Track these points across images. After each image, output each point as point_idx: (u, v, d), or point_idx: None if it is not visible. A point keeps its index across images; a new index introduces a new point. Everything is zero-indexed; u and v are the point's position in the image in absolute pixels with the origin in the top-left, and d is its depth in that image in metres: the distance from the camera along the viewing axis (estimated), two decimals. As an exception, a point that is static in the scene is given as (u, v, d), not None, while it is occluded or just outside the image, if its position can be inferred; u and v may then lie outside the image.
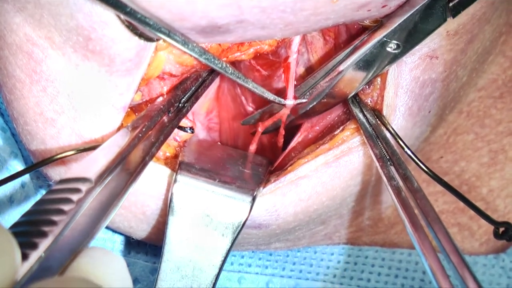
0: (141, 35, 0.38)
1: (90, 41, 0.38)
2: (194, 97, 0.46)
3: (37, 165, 0.41)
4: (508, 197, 0.53)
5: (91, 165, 0.34)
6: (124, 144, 0.38)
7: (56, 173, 0.45)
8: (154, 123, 0.42)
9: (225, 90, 0.55)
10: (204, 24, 0.36)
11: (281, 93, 0.49)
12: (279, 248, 0.53)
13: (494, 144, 0.52)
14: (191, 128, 0.49)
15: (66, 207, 0.31)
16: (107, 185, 0.35)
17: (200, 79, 0.46)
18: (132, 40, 0.38)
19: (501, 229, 0.43)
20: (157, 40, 0.39)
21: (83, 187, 0.32)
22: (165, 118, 0.43)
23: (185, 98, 0.45)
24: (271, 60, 0.51)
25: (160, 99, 0.45)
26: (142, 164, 0.38)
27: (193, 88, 0.46)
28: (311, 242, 0.53)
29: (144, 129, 0.40)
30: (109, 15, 0.37)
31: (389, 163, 0.43)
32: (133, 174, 0.37)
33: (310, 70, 0.51)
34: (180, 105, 0.45)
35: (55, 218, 0.30)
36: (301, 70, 0.51)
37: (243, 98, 0.54)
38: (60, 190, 0.32)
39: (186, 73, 0.45)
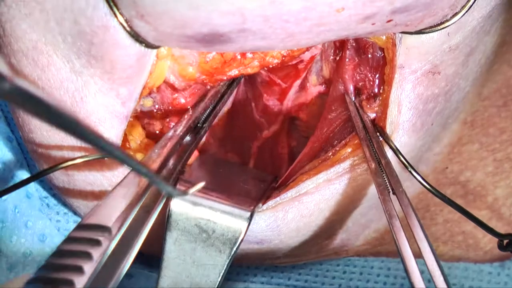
0: (141, 41, 0.38)
1: (92, 47, 0.38)
2: (212, 116, 0.46)
3: (40, 174, 0.41)
4: None
5: (109, 211, 0.33)
6: (143, 181, 0.37)
7: (60, 182, 0.45)
8: (173, 151, 0.41)
9: (239, 107, 0.55)
10: (205, 32, 0.36)
11: (302, 105, 0.50)
12: (284, 263, 0.53)
13: (498, 153, 0.51)
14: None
15: (85, 264, 0.30)
16: (126, 230, 0.34)
17: (218, 95, 0.47)
18: (132, 46, 0.38)
19: (505, 241, 0.43)
20: (157, 47, 0.40)
21: (102, 237, 0.31)
22: (183, 142, 0.43)
23: (203, 118, 0.45)
24: (289, 72, 0.51)
25: (173, 124, 0.45)
26: (162, 197, 0.38)
27: (211, 106, 0.46)
28: (317, 257, 0.53)
29: (162, 161, 0.39)
30: (110, 19, 0.37)
31: (390, 191, 0.42)
32: (152, 210, 0.37)
33: (320, 78, 0.51)
34: (199, 124, 0.45)
35: (73, 277, 0.29)
36: (313, 78, 0.52)
37: (253, 104, 0.55)
38: (78, 239, 0.31)
39: (189, 87, 0.45)
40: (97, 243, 0.31)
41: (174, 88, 0.45)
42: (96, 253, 0.30)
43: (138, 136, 0.45)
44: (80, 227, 0.32)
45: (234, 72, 0.44)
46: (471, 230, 0.53)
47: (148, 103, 0.45)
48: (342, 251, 0.53)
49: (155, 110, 0.46)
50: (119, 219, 0.33)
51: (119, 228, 0.32)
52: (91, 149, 0.42)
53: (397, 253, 0.53)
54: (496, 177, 0.52)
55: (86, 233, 0.31)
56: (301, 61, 0.50)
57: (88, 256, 0.30)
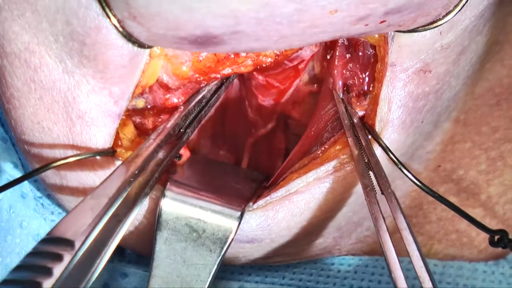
0: (134, 42, 0.38)
1: (85, 47, 0.38)
2: (197, 121, 0.46)
3: (32, 173, 0.41)
4: (507, 203, 0.53)
5: (75, 223, 0.33)
6: (114, 191, 0.36)
7: (52, 182, 0.45)
8: (149, 160, 0.41)
9: (232, 105, 0.55)
10: (198, 34, 0.36)
11: (294, 103, 0.49)
12: (278, 262, 0.53)
13: (492, 151, 0.51)
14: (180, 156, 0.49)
15: (44, 280, 0.29)
16: (92, 242, 0.33)
17: (204, 101, 0.46)
18: (125, 47, 0.38)
19: (496, 237, 0.43)
20: (150, 47, 0.40)
21: (65, 252, 0.31)
22: (161, 153, 0.43)
23: (187, 123, 0.45)
24: (289, 74, 0.51)
25: (154, 135, 0.44)
26: (134, 206, 0.38)
27: (195, 112, 0.46)
28: (311, 256, 0.53)
29: (137, 171, 0.39)
30: (102, 20, 0.37)
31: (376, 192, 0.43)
32: (122, 220, 0.36)
33: (312, 77, 0.51)
34: (182, 130, 0.45)
35: None
36: (305, 77, 0.52)
37: (247, 103, 0.55)
38: (41, 253, 0.31)
39: (183, 86, 0.45)
40: (58, 258, 0.30)
41: (166, 88, 0.45)
42: (57, 268, 0.30)
43: (130, 135, 0.45)
44: (45, 240, 0.32)
45: (227, 71, 0.45)
46: (465, 228, 0.53)
47: (140, 104, 0.45)
48: (335, 250, 0.53)
49: (147, 110, 0.46)
50: (84, 232, 0.32)
51: (84, 241, 0.32)
52: (83, 148, 0.42)
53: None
54: (489, 175, 0.52)
55: (49, 247, 0.31)
56: (302, 61, 0.50)
57: (48, 271, 0.30)
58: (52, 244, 0.31)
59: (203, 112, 0.47)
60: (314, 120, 0.49)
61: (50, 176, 0.45)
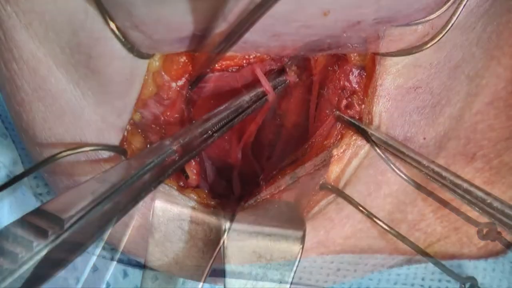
0: (135, 52, 0.39)
1: (90, 60, 0.39)
2: (227, 127, 0.46)
3: (32, 169, 0.41)
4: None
5: (71, 202, 0.32)
6: (118, 179, 0.36)
7: (55, 179, 0.46)
8: (162, 157, 0.41)
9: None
10: (198, 33, 0.37)
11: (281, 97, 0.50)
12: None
13: (487, 149, 0.51)
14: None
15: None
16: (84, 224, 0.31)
17: (240, 109, 0.47)
18: (127, 58, 0.39)
19: (485, 230, 0.43)
20: (149, 56, 0.40)
21: (52, 229, 0.29)
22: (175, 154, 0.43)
23: (217, 127, 0.45)
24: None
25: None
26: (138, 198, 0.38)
27: (229, 118, 0.46)
28: (305, 250, 0.53)
29: (147, 166, 0.39)
30: (107, 32, 0.38)
31: None
32: (123, 210, 0.36)
33: (298, 71, 0.52)
34: (209, 133, 0.45)
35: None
36: (293, 69, 0.52)
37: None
38: (25, 224, 0.29)
39: (177, 92, 0.45)
40: (44, 234, 0.29)
41: (161, 100, 0.45)
42: (38, 244, 0.29)
43: (138, 144, 0.46)
44: (33, 213, 0.30)
45: (216, 66, 0.45)
46: (463, 226, 0.53)
47: (137, 117, 0.46)
48: (328, 243, 0.53)
49: (146, 124, 0.47)
50: (78, 213, 0.31)
51: (75, 222, 0.30)
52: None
53: (390, 250, 0.54)
54: (485, 173, 0.52)
55: (36, 220, 0.30)
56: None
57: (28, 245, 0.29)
58: (41, 218, 0.30)
59: (235, 120, 0.47)
60: (299, 116, 0.49)
61: (59, 180, 0.45)
